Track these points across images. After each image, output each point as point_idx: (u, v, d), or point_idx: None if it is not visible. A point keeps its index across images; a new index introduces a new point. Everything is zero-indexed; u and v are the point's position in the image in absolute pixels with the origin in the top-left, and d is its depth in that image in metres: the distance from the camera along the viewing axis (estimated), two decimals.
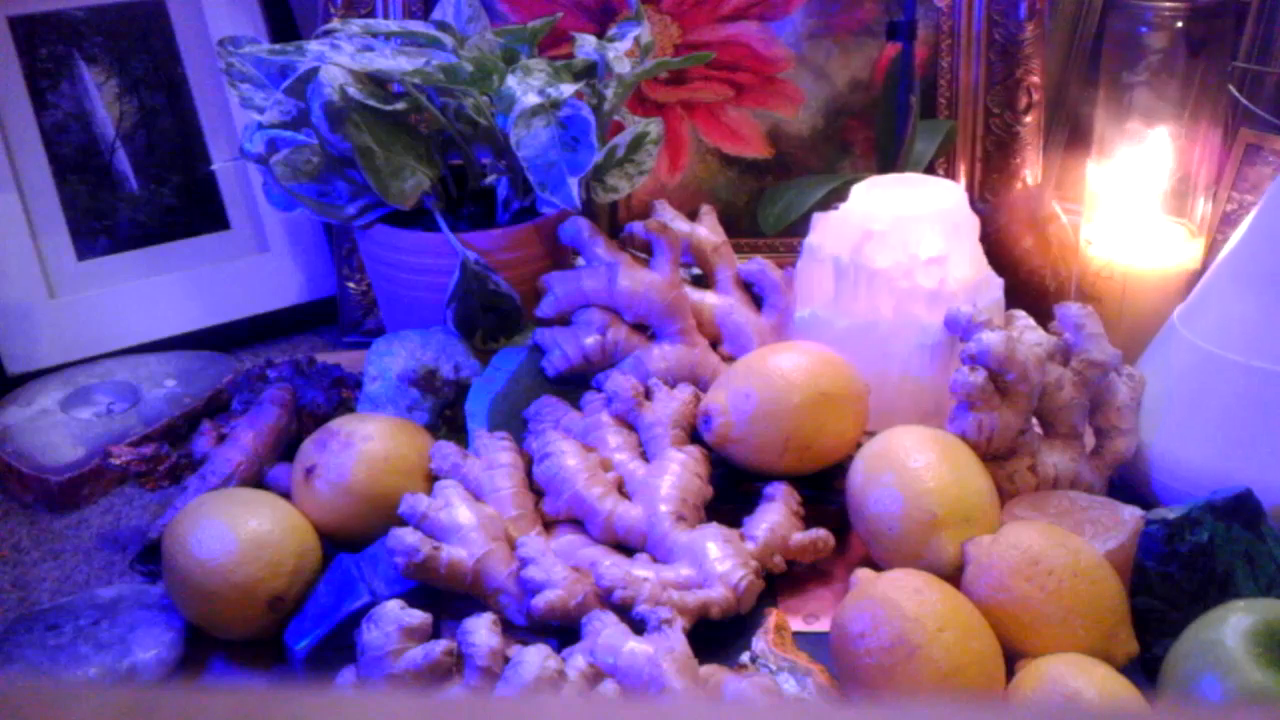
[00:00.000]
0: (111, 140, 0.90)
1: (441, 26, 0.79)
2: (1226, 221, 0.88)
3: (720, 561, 0.62)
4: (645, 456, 0.71)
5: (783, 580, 0.66)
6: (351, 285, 0.93)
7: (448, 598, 0.63)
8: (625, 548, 0.66)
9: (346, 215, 0.77)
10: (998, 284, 0.77)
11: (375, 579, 0.62)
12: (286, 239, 0.95)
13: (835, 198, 0.83)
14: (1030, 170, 0.95)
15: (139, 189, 0.91)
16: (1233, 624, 0.53)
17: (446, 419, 0.75)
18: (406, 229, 0.77)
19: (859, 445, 0.68)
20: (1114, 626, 0.57)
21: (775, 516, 0.66)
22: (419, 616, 0.57)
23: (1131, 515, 0.63)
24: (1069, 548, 0.58)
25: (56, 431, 0.77)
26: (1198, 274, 0.83)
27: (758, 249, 0.93)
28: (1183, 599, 0.59)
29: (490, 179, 0.80)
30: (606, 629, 0.58)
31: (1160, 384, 0.71)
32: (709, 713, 0.19)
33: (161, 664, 0.60)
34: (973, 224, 0.76)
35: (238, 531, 0.61)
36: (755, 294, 0.82)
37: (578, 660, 0.55)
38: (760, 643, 0.59)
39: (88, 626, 0.61)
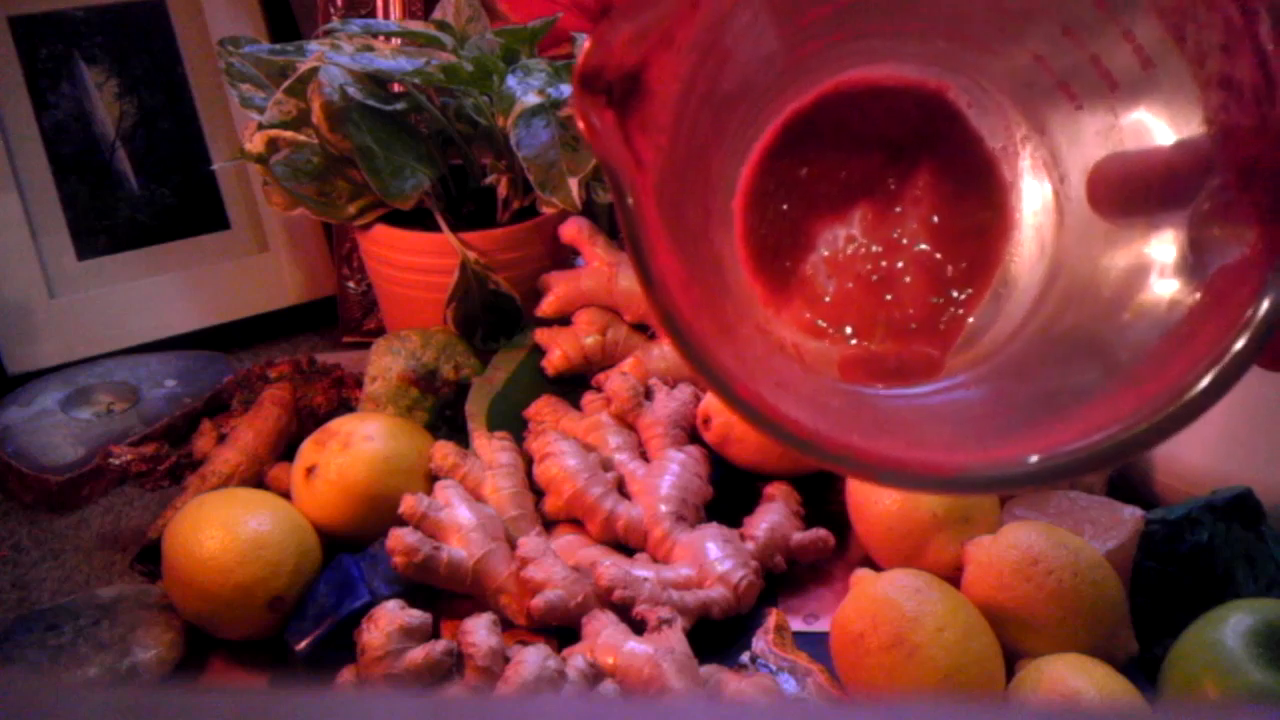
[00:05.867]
0: (111, 140, 0.90)
1: (441, 26, 0.79)
2: None
3: (720, 561, 0.62)
4: (645, 456, 0.71)
5: (783, 580, 0.66)
6: (351, 285, 0.93)
7: (448, 598, 0.63)
8: (625, 548, 0.66)
9: (346, 215, 0.77)
10: None
11: (375, 579, 0.62)
12: (286, 239, 0.95)
13: None
14: None
15: (139, 189, 0.91)
16: (1233, 624, 0.53)
17: (446, 419, 0.75)
18: (406, 229, 0.77)
19: None
20: (1114, 626, 0.57)
21: (775, 516, 0.66)
22: (419, 616, 0.57)
23: (1131, 515, 0.63)
24: (1069, 548, 0.58)
25: (56, 431, 0.77)
26: None
27: None
28: (1183, 599, 0.59)
29: (490, 179, 0.80)
30: (606, 629, 0.58)
31: None
32: (709, 713, 0.19)
33: (161, 664, 0.60)
34: None
35: (238, 531, 0.61)
36: None
37: (578, 660, 0.55)
38: (760, 643, 0.59)
39: (88, 626, 0.61)
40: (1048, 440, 0.29)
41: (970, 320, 0.38)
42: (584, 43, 0.28)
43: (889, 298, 0.38)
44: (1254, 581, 0.60)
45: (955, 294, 0.38)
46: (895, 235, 0.39)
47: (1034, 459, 0.28)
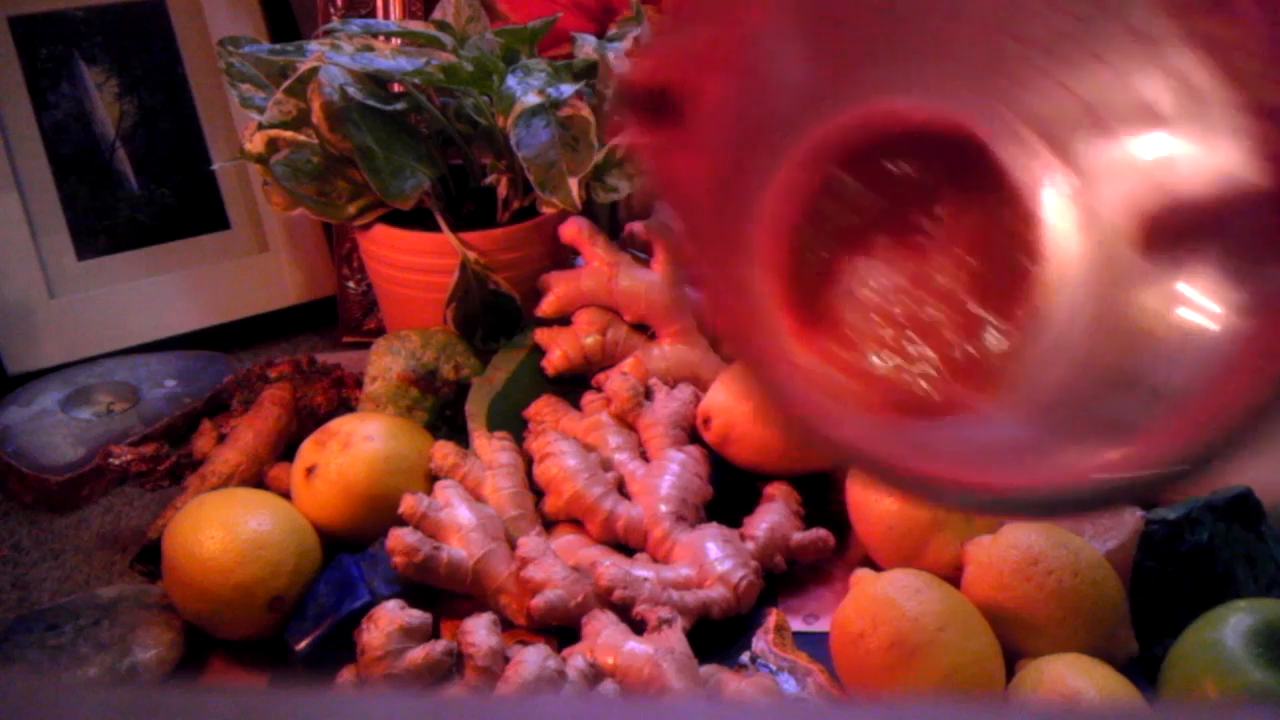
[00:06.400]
0: (111, 140, 0.90)
1: (441, 26, 0.79)
2: None
3: (720, 561, 0.62)
4: (645, 456, 0.71)
5: (783, 580, 0.66)
6: (351, 285, 0.93)
7: (448, 598, 0.63)
8: (625, 548, 0.66)
9: (346, 215, 0.77)
10: None
11: (375, 579, 0.62)
12: (286, 239, 0.95)
13: None
14: None
15: (139, 189, 0.91)
16: (1233, 624, 0.53)
17: (446, 419, 0.75)
18: (406, 229, 0.77)
19: None
20: (1114, 626, 0.57)
21: (775, 516, 0.66)
22: (419, 616, 0.57)
23: (1131, 515, 0.63)
24: (1069, 548, 0.58)
25: (56, 431, 0.77)
26: None
27: None
28: (1183, 599, 0.59)
29: (490, 179, 0.80)
30: (606, 629, 0.58)
31: None
32: (709, 713, 0.19)
33: (161, 664, 0.60)
34: None
35: (238, 531, 0.61)
36: None
37: (578, 660, 0.55)
38: (760, 643, 0.59)
39: (88, 626, 0.61)
40: (1091, 466, 0.28)
41: (1005, 356, 0.37)
42: (628, 61, 0.29)
43: (920, 335, 0.38)
44: (1254, 581, 0.60)
45: (989, 331, 0.38)
46: (926, 271, 0.38)
47: (1080, 485, 0.28)
